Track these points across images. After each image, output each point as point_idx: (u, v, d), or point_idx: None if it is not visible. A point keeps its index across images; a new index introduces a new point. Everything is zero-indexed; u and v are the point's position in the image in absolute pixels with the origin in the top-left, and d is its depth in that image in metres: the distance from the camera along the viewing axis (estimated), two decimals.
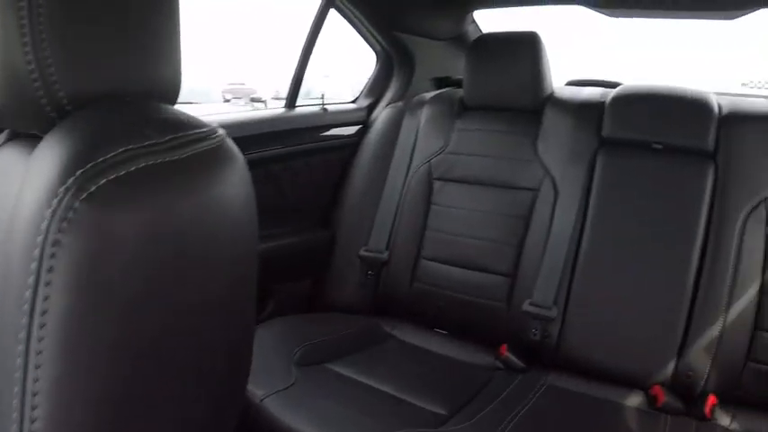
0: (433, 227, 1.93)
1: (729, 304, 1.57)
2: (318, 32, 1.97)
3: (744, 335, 1.55)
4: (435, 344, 1.84)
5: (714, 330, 1.57)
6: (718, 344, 1.56)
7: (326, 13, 1.96)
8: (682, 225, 1.66)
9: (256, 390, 1.45)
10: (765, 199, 1.60)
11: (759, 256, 1.58)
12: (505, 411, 1.49)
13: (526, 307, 1.74)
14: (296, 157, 1.96)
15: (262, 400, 1.42)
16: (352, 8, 2.02)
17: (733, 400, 1.56)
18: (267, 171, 1.89)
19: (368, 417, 1.41)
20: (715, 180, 1.67)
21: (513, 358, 1.74)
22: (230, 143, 0.64)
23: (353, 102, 2.24)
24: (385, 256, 1.96)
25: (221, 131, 0.64)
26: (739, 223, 1.60)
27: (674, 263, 1.65)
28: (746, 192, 1.62)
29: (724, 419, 1.54)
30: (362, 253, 1.99)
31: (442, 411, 1.49)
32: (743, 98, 1.90)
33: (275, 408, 1.42)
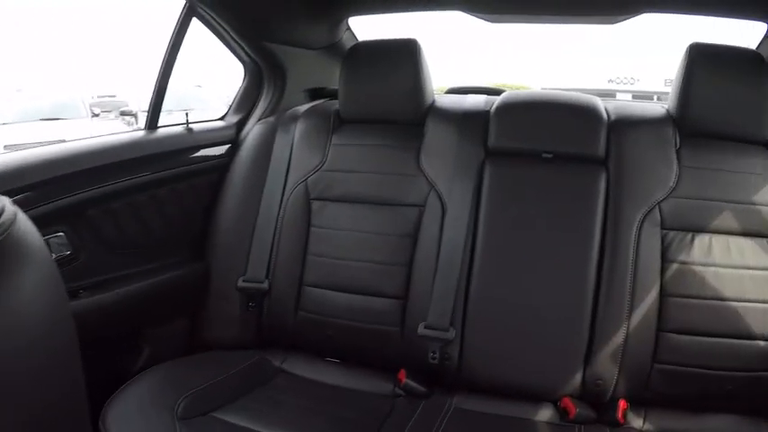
0: (315, 251, 1.80)
1: (631, 309, 1.58)
2: (180, 44, 1.80)
3: (648, 338, 1.57)
4: (329, 375, 1.73)
5: (619, 336, 1.57)
6: (624, 349, 1.57)
7: (188, 23, 1.79)
8: (577, 233, 1.65)
9: None
10: (659, 202, 1.62)
11: (656, 258, 1.59)
12: None
13: (422, 330, 1.66)
14: (161, 184, 1.78)
15: None
16: (215, 17, 1.85)
17: (643, 402, 1.59)
18: (131, 202, 1.71)
19: None
20: (607, 186, 1.67)
21: (413, 384, 1.66)
22: (19, 229, 0.48)
23: (221, 119, 2.08)
24: (265, 285, 1.81)
25: (8, 213, 0.47)
26: (635, 228, 1.61)
27: (572, 272, 1.63)
28: (640, 196, 1.63)
29: (636, 422, 1.57)
30: (241, 284, 1.83)
31: None
32: (629, 102, 1.92)
33: None
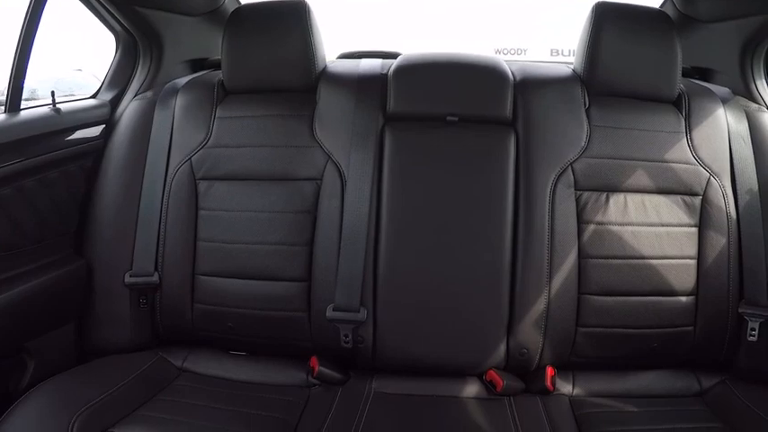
0: (205, 236, 1.67)
1: (551, 274, 1.56)
2: (39, 12, 1.57)
3: (570, 302, 1.57)
4: (235, 370, 1.63)
5: (540, 303, 1.56)
6: (547, 315, 1.56)
7: None
8: (489, 200, 1.61)
9: None
10: (571, 162, 1.60)
11: (572, 220, 1.58)
12: None
13: (330, 313, 1.57)
14: (28, 174, 1.57)
15: None
16: None
17: (570, 367, 1.60)
18: None
19: None
20: (517, 149, 1.64)
21: (327, 371, 1.59)
22: None
23: (93, 96, 1.87)
24: (155, 278, 1.66)
25: None
26: (548, 190, 1.59)
27: (486, 241, 1.60)
28: (551, 157, 1.61)
29: (566, 388, 1.58)
30: (128, 279, 1.66)
31: None
32: (533, 63, 1.90)
33: None
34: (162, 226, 1.67)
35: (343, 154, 1.64)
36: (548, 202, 1.58)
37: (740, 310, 1.55)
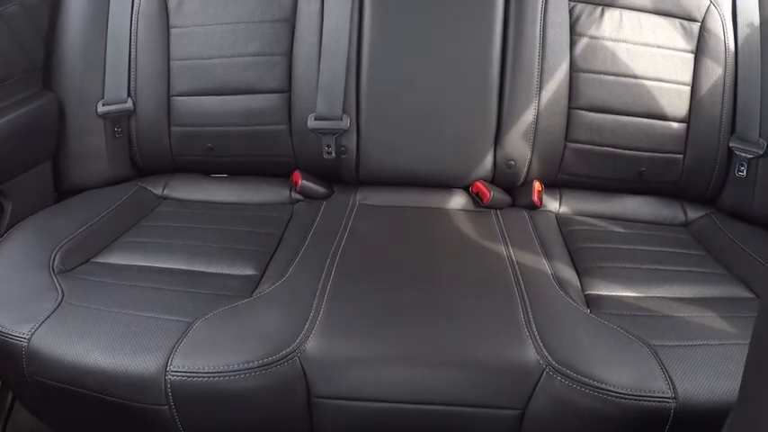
0: (179, 55, 1.61)
1: (541, 85, 1.54)
2: None
3: (559, 115, 1.55)
4: (217, 192, 1.62)
5: (529, 114, 1.54)
6: (536, 128, 1.54)
7: None
8: (477, 6, 1.56)
9: (18, 327, 1.10)
10: None
11: (565, 32, 1.54)
12: (321, 247, 1.32)
13: (312, 123, 1.55)
14: None
15: (30, 340, 1.08)
16: None
17: (557, 184, 1.60)
18: None
19: (164, 312, 1.13)
20: None
21: (309, 185, 1.58)
22: None
23: None
24: (129, 104, 1.61)
25: None
26: None
27: (474, 48, 1.56)
28: None
29: (552, 205, 1.59)
30: (101, 109, 1.61)
31: (251, 271, 1.28)
32: None
33: (50, 342, 1.08)
34: (132, 49, 1.61)
35: None
36: (540, 12, 1.54)
37: (731, 145, 1.54)
